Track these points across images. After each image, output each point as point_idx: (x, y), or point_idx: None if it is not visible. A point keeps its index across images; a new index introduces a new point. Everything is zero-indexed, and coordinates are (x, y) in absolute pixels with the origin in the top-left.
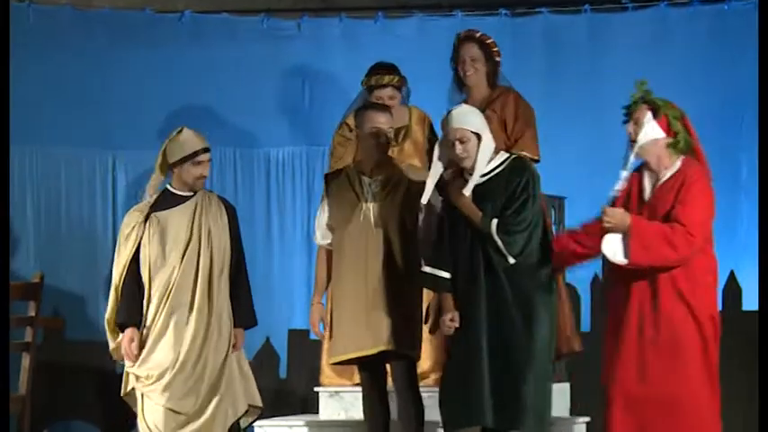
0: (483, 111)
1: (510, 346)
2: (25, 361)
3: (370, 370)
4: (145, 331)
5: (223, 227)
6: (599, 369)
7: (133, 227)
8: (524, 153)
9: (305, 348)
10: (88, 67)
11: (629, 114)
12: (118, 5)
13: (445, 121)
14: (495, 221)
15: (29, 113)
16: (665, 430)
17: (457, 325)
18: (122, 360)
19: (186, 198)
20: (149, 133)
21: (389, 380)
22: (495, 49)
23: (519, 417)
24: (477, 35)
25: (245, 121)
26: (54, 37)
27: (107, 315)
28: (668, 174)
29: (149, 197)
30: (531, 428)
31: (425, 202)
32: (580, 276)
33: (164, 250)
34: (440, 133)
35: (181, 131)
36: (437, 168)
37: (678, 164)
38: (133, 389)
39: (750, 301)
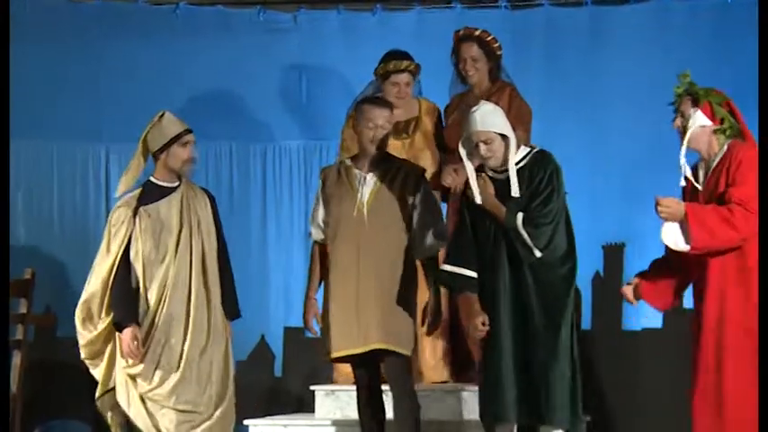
0: None
1: (536, 342)
2: (16, 358)
3: (363, 368)
4: (143, 328)
5: (209, 216)
6: (599, 369)
7: (122, 222)
8: None
9: (301, 346)
10: (82, 59)
11: (676, 109)
12: None
13: (468, 123)
14: (520, 215)
15: (21, 106)
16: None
17: (488, 329)
18: (93, 358)
19: (171, 189)
20: (143, 126)
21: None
22: (496, 45)
23: (548, 413)
24: (477, 34)
25: (241, 115)
26: (48, 28)
27: (78, 309)
28: (717, 159)
29: (125, 188)
30: (561, 423)
31: (479, 203)
32: (581, 275)
33: (157, 244)
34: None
35: (162, 116)
36: (471, 167)
37: (725, 148)
38: (111, 390)
39: None
